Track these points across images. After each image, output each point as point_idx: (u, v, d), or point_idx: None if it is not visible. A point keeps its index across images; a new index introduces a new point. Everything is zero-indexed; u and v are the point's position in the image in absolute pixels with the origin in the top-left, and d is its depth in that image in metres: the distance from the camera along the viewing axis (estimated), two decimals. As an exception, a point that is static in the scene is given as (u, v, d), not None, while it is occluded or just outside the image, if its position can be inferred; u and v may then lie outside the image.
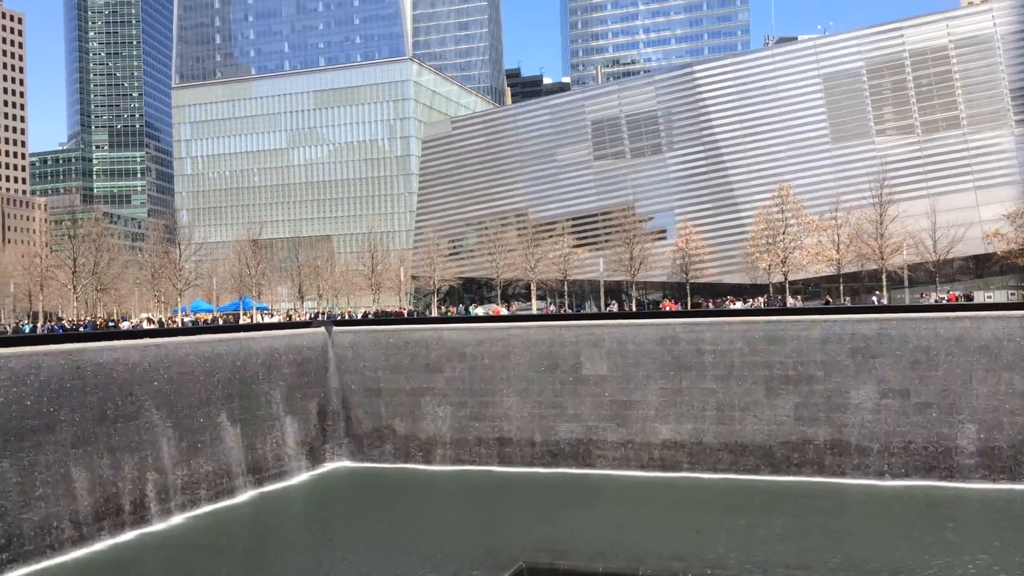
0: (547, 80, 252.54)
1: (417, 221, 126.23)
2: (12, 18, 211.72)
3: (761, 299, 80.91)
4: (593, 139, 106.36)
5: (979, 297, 72.88)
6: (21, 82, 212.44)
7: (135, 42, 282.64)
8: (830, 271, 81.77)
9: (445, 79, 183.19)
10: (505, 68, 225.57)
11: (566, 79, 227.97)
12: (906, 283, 77.30)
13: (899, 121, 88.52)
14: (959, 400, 50.02)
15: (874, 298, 73.80)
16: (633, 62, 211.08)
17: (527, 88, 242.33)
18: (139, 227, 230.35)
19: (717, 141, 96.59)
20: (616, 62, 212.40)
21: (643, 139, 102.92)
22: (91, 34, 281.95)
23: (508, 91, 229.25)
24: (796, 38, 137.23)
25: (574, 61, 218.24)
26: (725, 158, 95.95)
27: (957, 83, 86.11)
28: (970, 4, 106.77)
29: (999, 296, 74.62)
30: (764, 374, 54.06)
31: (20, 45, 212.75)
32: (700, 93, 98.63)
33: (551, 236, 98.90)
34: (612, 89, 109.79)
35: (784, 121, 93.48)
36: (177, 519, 46.17)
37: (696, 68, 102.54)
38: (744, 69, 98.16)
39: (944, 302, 64.13)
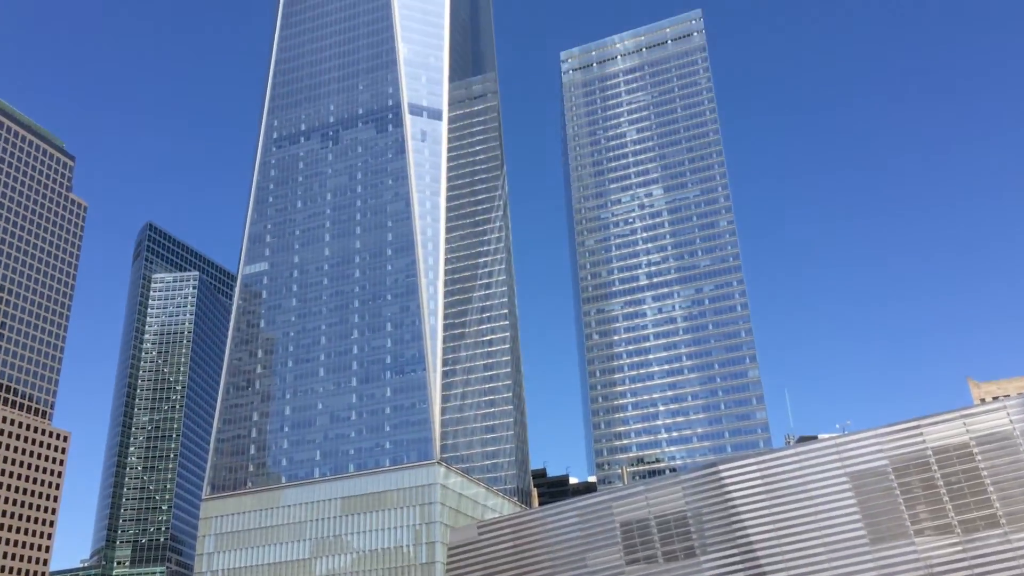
0: (573, 480, 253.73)
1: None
2: (59, 436, 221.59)
3: None
4: (623, 543, 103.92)
5: None
6: (55, 499, 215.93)
7: (172, 455, 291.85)
8: None
9: (472, 481, 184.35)
10: (531, 468, 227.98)
11: (592, 478, 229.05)
12: None
13: (935, 520, 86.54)
14: None
15: None
16: (657, 460, 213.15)
17: (553, 488, 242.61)
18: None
19: (752, 543, 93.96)
20: (640, 460, 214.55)
21: (675, 541, 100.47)
22: (131, 448, 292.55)
23: (535, 492, 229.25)
24: (816, 436, 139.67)
25: (599, 460, 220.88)
26: (762, 561, 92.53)
27: (987, 480, 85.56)
28: (982, 401, 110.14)
29: None
30: None
31: (61, 463, 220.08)
32: (729, 493, 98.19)
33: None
34: (639, 490, 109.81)
35: (818, 521, 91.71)
36: None
37: (722, 468, 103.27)
38: (770, 468, 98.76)
39: None
